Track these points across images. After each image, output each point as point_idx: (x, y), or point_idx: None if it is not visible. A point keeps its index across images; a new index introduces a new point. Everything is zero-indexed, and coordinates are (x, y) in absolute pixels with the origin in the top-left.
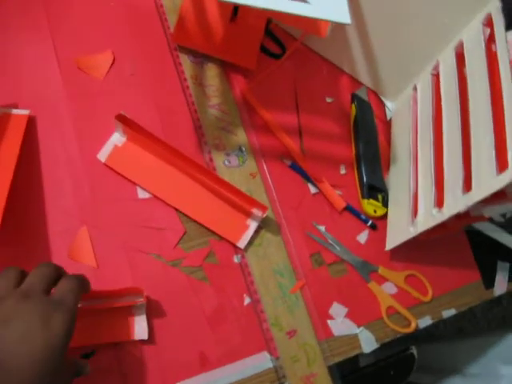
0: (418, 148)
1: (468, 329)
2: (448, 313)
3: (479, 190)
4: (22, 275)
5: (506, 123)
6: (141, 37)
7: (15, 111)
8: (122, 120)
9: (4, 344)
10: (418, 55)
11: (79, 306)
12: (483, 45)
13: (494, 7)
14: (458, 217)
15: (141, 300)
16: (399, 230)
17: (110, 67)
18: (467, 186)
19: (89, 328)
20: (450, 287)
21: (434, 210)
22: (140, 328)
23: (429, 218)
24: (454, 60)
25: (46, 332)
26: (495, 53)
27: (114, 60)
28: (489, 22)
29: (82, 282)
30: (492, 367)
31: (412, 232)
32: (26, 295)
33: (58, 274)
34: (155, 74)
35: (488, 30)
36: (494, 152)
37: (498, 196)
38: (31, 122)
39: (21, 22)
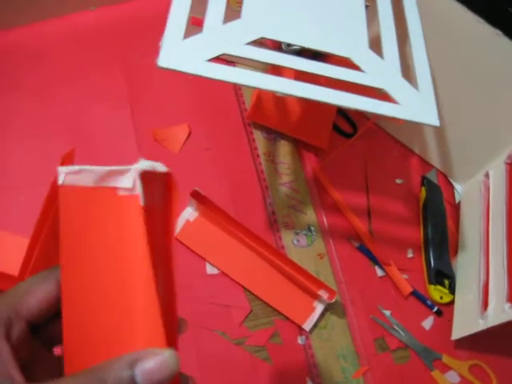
0: (490, 237)
1: None
2: None
3: None
4: None
5: None
6: (217, 112)
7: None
8: (196, 196)
9: None
10: (492, 142)
11: None
12: None
13: None
14: None
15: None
16: (467, 321)
17: (186, 140)
18: None
19: None
20: None
21: (507, 306)
22: None
23: (500, 313)
24: None
25: None
26: None
27: (189, 133)
28: None
29: None
30: None
31: (481, 325)
32: None
33: None
34: (229, 149)
35: None
36: None
37: None
38: None
39: (102, 92)
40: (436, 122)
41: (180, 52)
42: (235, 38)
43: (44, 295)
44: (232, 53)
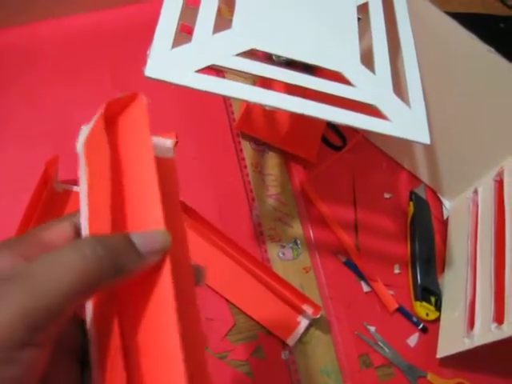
0: (477, 254)
1: None
2: None
3: None
4: None
5: None
6: (205, 121)
7: (76, 188)
8: (183, 208)
9: None
10: (481, 160)
11: None
12: None
13: None
14: None
15: None
16: (453, 339)
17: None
18: None
19: None
20: None
21: (493, 326)
22: None
23: (487, 332)
24: None
25: None
26: None
27: (176, 142)
28: None
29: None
30: None
31: (467, 344)
32: None
33: None
34: (216, 159)
35: None
36: None
37: None
38: None
39: (89, 97)
40: (427, 141)
41: (168, 62)
42: (225, 49)
43: None
44: (221, 64)
